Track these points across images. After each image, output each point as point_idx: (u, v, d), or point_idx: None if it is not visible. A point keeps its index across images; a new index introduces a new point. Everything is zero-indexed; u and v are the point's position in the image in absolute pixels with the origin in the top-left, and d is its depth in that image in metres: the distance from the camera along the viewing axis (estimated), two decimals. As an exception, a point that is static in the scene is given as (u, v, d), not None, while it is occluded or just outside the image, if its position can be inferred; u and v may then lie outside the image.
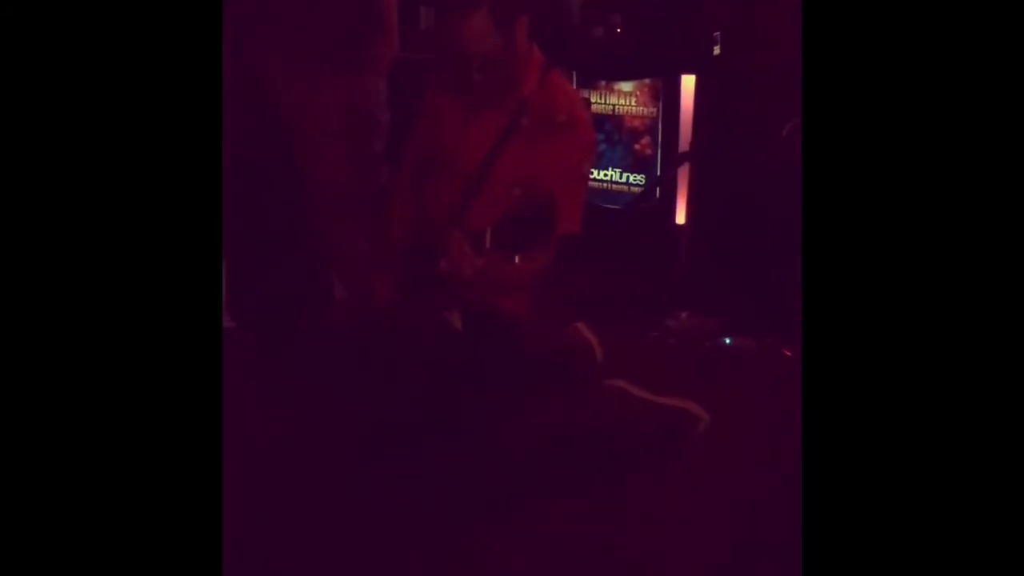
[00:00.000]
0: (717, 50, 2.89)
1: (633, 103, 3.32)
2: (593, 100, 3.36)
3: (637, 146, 3.36)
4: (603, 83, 3.39)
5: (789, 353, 2.48)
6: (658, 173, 3.31)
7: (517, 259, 1.81)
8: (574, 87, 2.17)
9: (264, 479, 1.87)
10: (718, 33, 2.86)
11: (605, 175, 3.40)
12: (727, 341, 2.57)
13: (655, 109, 3.27)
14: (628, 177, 3.41)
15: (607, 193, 3.35)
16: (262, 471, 1.89)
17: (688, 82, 3.12)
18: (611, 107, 3.37)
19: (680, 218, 3.16)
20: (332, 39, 2.37)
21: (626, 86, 3.33)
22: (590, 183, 2.12)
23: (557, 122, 1.88)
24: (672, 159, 3.24)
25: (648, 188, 3.32)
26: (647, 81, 3.28)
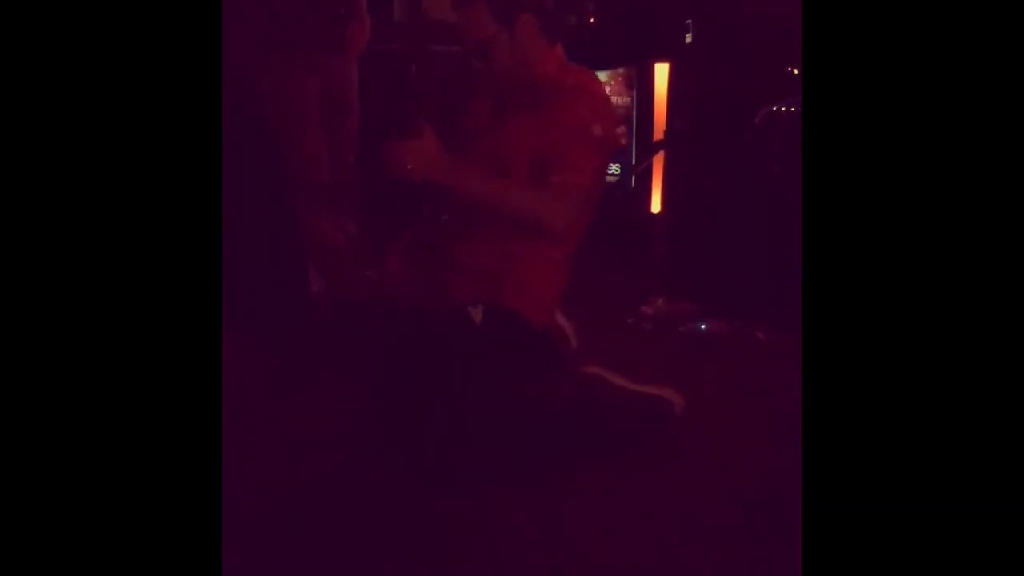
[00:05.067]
0: (689, 38, 2.91)
1: (607, 92, 3.33)
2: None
3: (612, 135, 3.37)
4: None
5: (762, 336, 2.51)
6: (633, 162, 3.34)
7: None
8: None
9: (263, 471, 1.86)
10: (690, 21, 2.88)
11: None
12: (702, 326, 2.60)
13: (629, 98, 3.29)
14: (603, 166, 3.42)
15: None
16: (261, 464, 1.88)
17: (661, 71, 3.15)
18: (585, 96, 3.38)
19: (655, 206, 3.19)
20: (307, 21, 2.37)
21: (600, 75, 3.34)
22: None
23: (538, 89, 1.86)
24: (646, 148, 3.26)
25: (623, 177, 3.34)
26: (620, 70, 3.30)
